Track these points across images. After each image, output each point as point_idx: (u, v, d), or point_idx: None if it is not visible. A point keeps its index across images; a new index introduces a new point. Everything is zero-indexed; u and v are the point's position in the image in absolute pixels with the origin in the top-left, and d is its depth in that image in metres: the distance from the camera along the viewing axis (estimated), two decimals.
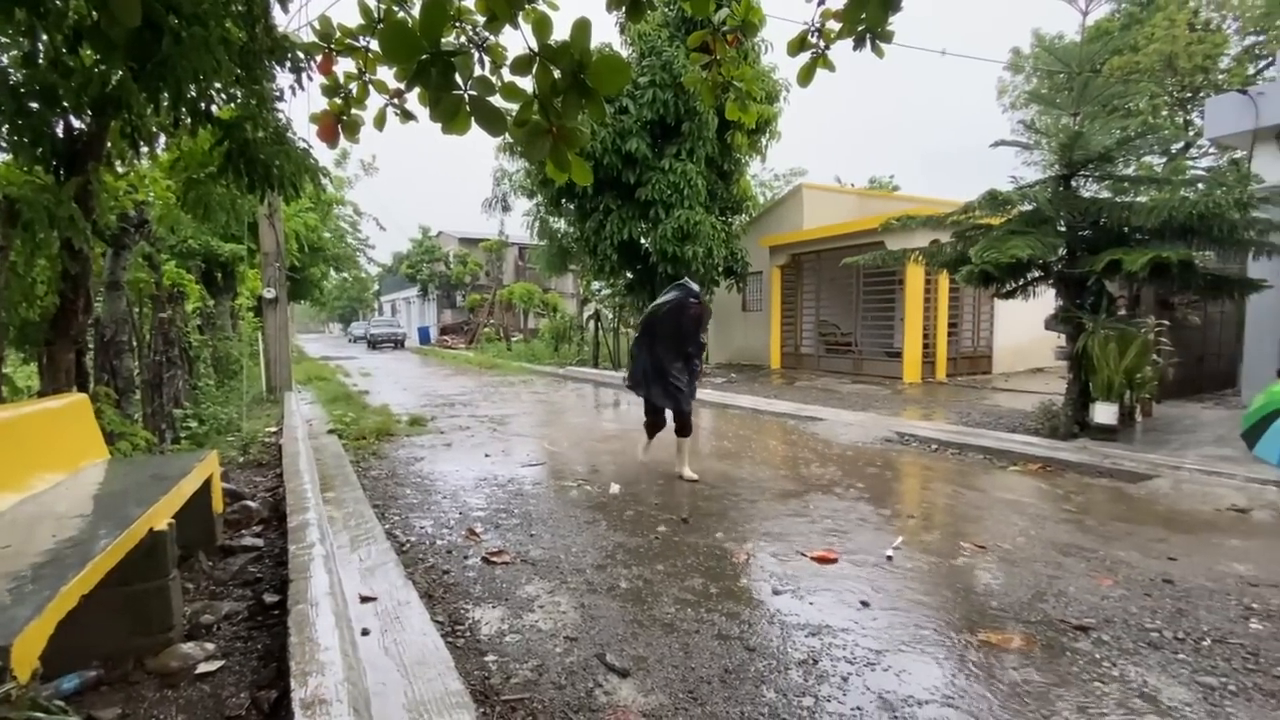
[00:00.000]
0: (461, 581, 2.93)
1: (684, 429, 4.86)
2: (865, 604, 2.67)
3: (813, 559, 3.17)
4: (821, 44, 2.55)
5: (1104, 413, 5.55)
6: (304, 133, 7.17)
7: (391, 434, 6.75)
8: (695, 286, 4.91)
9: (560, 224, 14.55)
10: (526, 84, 1.89)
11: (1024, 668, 2.18)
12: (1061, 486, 4.58)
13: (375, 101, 2.44)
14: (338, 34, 2.29)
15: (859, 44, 2.52)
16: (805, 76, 2.58)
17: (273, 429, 6.83)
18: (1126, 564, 3.09)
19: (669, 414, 4.96)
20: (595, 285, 18.54)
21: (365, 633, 2.32)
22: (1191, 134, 12.42)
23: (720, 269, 12.71)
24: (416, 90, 1.91)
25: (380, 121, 2.30)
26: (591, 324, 15.55)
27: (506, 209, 18.79)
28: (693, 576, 2.96)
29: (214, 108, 3.43)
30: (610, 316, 15.91)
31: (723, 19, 2.85)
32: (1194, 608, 2.62)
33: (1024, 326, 11.03)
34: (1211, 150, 9.34)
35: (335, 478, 4.62)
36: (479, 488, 4.61)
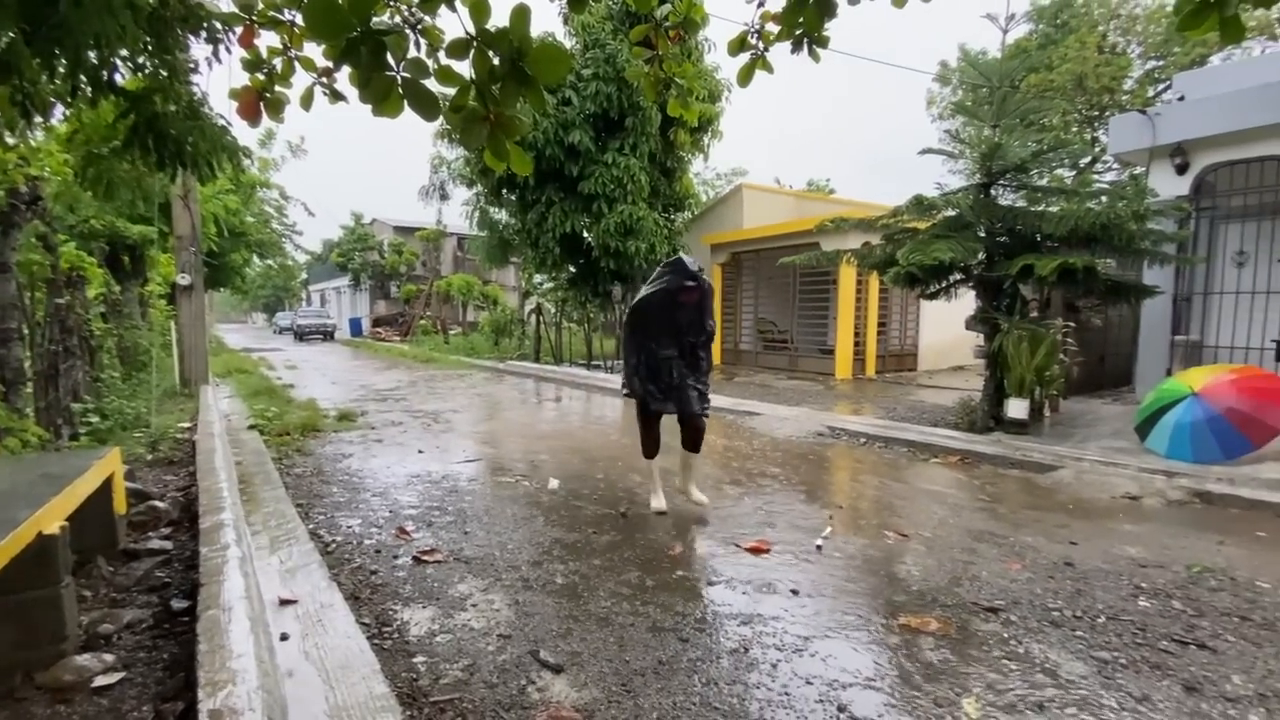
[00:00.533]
0: (390, 582, 2.84)
1: (695, 439, 3.86)
2: (795, 592, 2.75)
3: (746, 550, 3.24)
4: (761, 45, 2.60)
5: (1016, 408, 5.92)
6: (224, 109, 6.74)
7: (318, 430, 6.46)
8: (691, 264, 3.71)
9: (501, 215, 14.27)
10: (464, 69, 1.83)
11: (940, 649, 2.30)
12: (978, 477, 4.86)
13: (302, 79, 2.31)
14: (260, 5, 2.15)
15: (797, 47, 2.58)
16: (745, 77, 2.62)
17: (186, 424, 6.41)
18: (1033, 549, 3.31)
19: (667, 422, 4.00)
20: (537, 278, 18.30)
21: (284, 638, 2.21)
22: (1098, 149, 13.41)
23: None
24: (347, 69, 1.83)
25: (307, 101, 2.18)
26: (533, 318, 15.35)
27: (445, 198, 18.23)
28: (629, 570, 2.97)
29: (119, 77, 3.16)
30: (553, 310, 15.75)
31: (665, 14, 2.85)
32: (1091, 588, 2.84)
33: (947, 326, 11.63)
34: (1115, 165, 10.13)
35: (255, 476, 4.38)
36: (411, 485, 4.47)
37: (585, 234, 12.30)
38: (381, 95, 1.77)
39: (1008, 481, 4.77)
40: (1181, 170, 7.23)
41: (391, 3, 2.27)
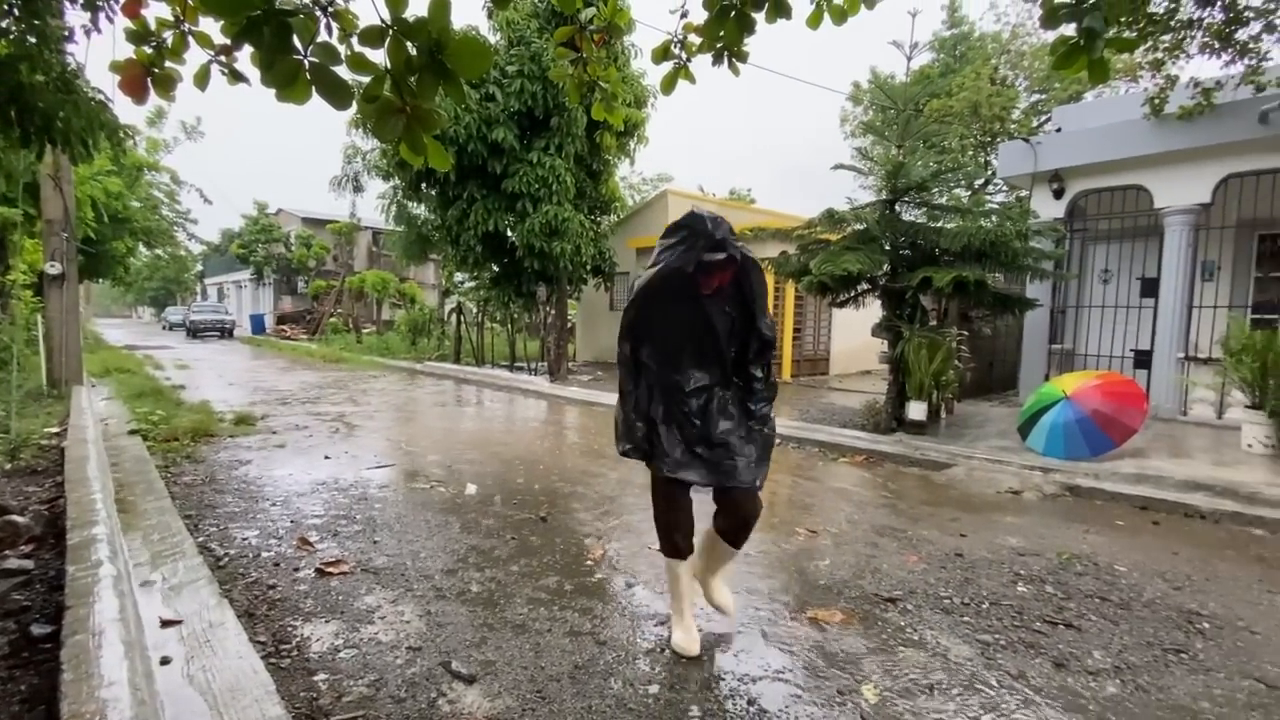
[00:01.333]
0: (290, 596, 2.67)
1: (739, 528, 2.35)
2: None
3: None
4: (684, 56, 2.65)
5: (916, 410, 6.33)
6: (105, 83, 6.13)
7: (212, 434, 5.98)
8: (713, 223, 2.11)
9: (420, 210, 13.75)
10: (379, 57, 1.75)
11: (844, 638, 2.42)
12: (881, 475, 5.15)
13: (198, 55, 2.14)
14: None
15: (718, 60, 2.66)
16: (668, 85, 2.67)
17: (54, 429, 5.77)
18: (929, 542, 3.55)
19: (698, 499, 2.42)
20: (458, 277, 17.78)
21: (165, 661, 2.03)
22: (990, 172, 14.57)
23: (589, 267, 12.75)
24: (250, 48, 1.71)
25: (202, 79, 2.01)
26: (454, 317, 14.90)
27: (359, 190, 17.37)
28: (548, 575, 2.94)
29: None
30: (474, 310, 15.34)
31: (589, 17, 2.85)
32: (977, 576, 3.07)
33: (856, 333, 12.27)
34: (1004, 187, 11.05)
35: (136, 485, 4.00)
36: (316, 493, 4.22)
37: (509, 233, 12.06)
38: (286, 80, 1.66)
39: (908, 479, 5.08)
40: (1058, 195, 7.98)
41: None
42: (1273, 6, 5.87)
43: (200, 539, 3.26)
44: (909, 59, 6.52)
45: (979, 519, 4.03)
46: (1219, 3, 5.87)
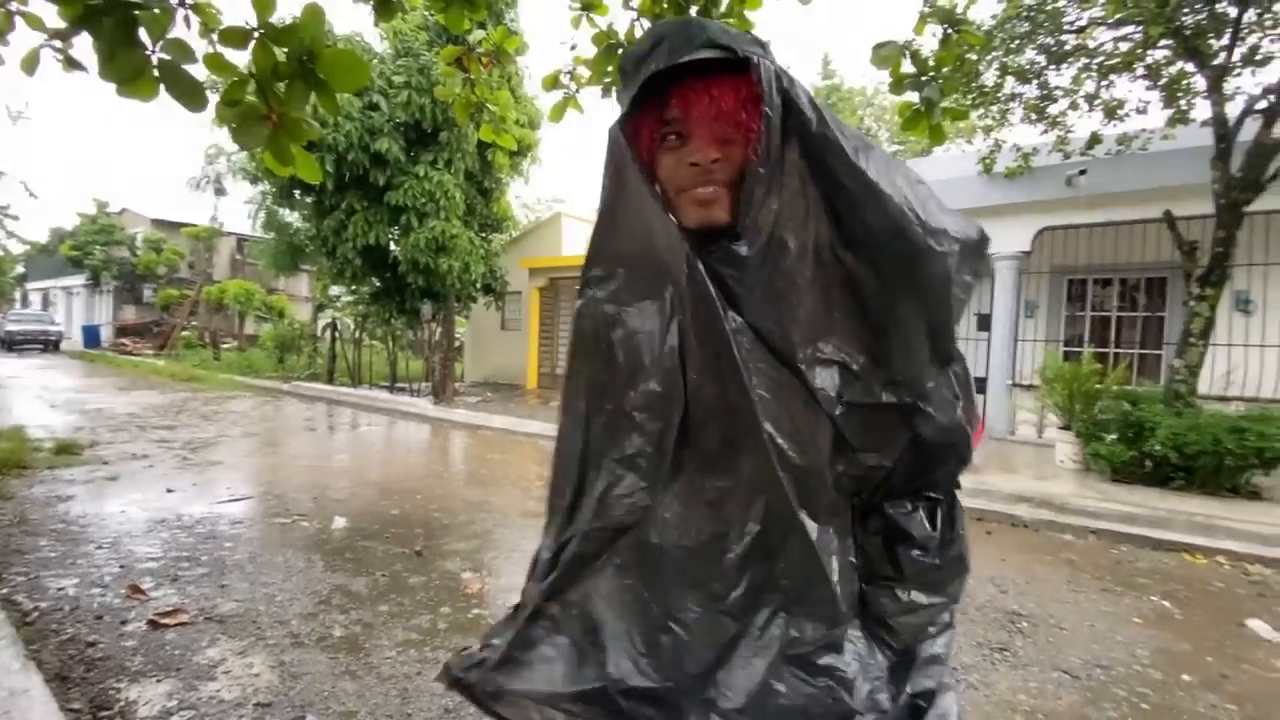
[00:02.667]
0: (114, 654, 2.34)
1: None
2: None
3: None
4: (573, 86, 2.71)
5: None
6: None
7: (24, 466, 5.14)
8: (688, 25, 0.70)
9: (293, 218, 12.81)
10: (242, 59, 1.63)
11: None
12: None
13: (27, 37, 1.88)
14: None
15: (606, 93, 2.74)
16: (557, 113, 2.71)
17: None
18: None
19: None
20: (334, 290, 16.67)
21: None
22: None
23: (479, 286, 12.44)
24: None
25: (30, 64, 1.77)
26: (328, 333, 13.92)
27: (221, 193, 15.89)
28: (420, 614, 2.79)
29: None
30: (351, 326, 14.42)
31: (478, 40, 2.84)
32: None
33: None
34: None
35: None
36: (154, 532, 3.75)
37: (392, 246, 11.53)
38: (128, 75, 1.51)
39: None
40: None
41: None
42: (1076, 88, 6.97)
43: (3, 591, 2.79)
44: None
45: None
46: (1035, 81, 6.88)
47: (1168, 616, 3.13)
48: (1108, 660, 2.63)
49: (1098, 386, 6.12)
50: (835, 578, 0.69)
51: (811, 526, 0.68)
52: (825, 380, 0.68)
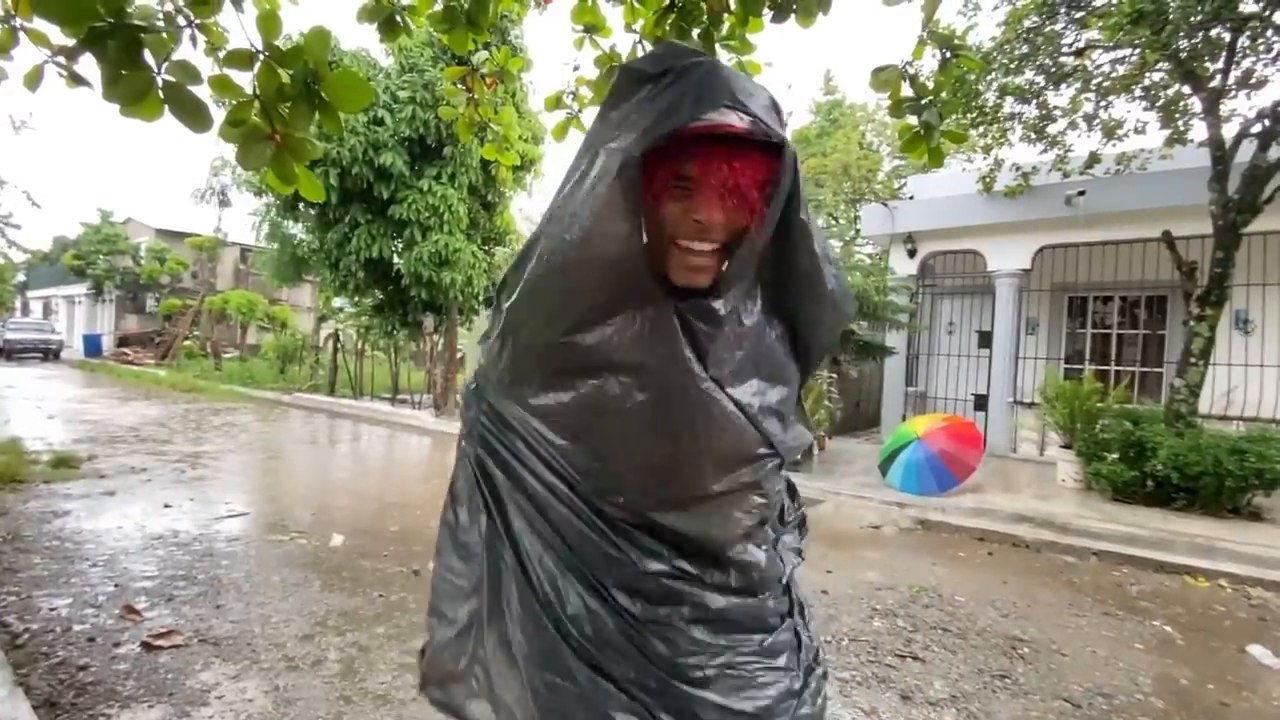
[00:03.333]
0: (106, 678, 2.32)
1: None
2: None
3: None
4: (576, 107, 2.73)
5: None
6: None
7: (20, 480, 5.13)
8: (719, 71, 0.72)
9: (297, 229, 12.87)
10: (246, 80, 1.64)
11: None
12: None
13: (30, 52, 1.89)
14: None
15: None
16: (560, 133, 2.73)
17: None
18: (802, 580, 3.74)
19: None
20: (337, 302, 16.69)
21: None
22: (857, 228, 16.08)
23: (481, 299, 12.48)
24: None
25: (33, 80, 1.78)
26: (330, 344, 13.93)
27: (226, 204, 15.99)
28: (417, 636, 2.77)
29: None
30: (354, 337, 14.44)
31: (481, 61, 2.87)
32: (840, 613, 3.27)
33: None
34: (869, 244, 12.24)
35: None
36: (150, 549, 3.73)
37: (395, 259, 11.57)
38: (134, 97, 1.51)
39: None
40: (912, 254, 8.93)
41: None
42: (1075, 109, 7.02)
43: None
44: (784, 124, 7.10)
45: (844, 555, 4.31)
46: (1034, 101, 6.94)
47: (1169, 642, 3.10)
48: (1110, 688, 2.60)
49: (1099, 405, 6.12)
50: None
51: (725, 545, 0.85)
52: (773, 428, 0.80)
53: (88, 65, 1.74)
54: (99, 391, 13.06)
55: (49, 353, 22.75)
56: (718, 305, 0.72)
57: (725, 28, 2.62)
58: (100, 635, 2.64)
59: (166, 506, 4.64)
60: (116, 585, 3.17)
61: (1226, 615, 3.50)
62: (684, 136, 0.68)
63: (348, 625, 2.84)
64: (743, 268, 0.73)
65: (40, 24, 1.86)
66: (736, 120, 0.68)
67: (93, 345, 24.21)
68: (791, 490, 1.06)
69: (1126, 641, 3.07)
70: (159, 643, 2.58)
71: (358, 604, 3.09)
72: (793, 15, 2.42)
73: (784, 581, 0.94)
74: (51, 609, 2.88)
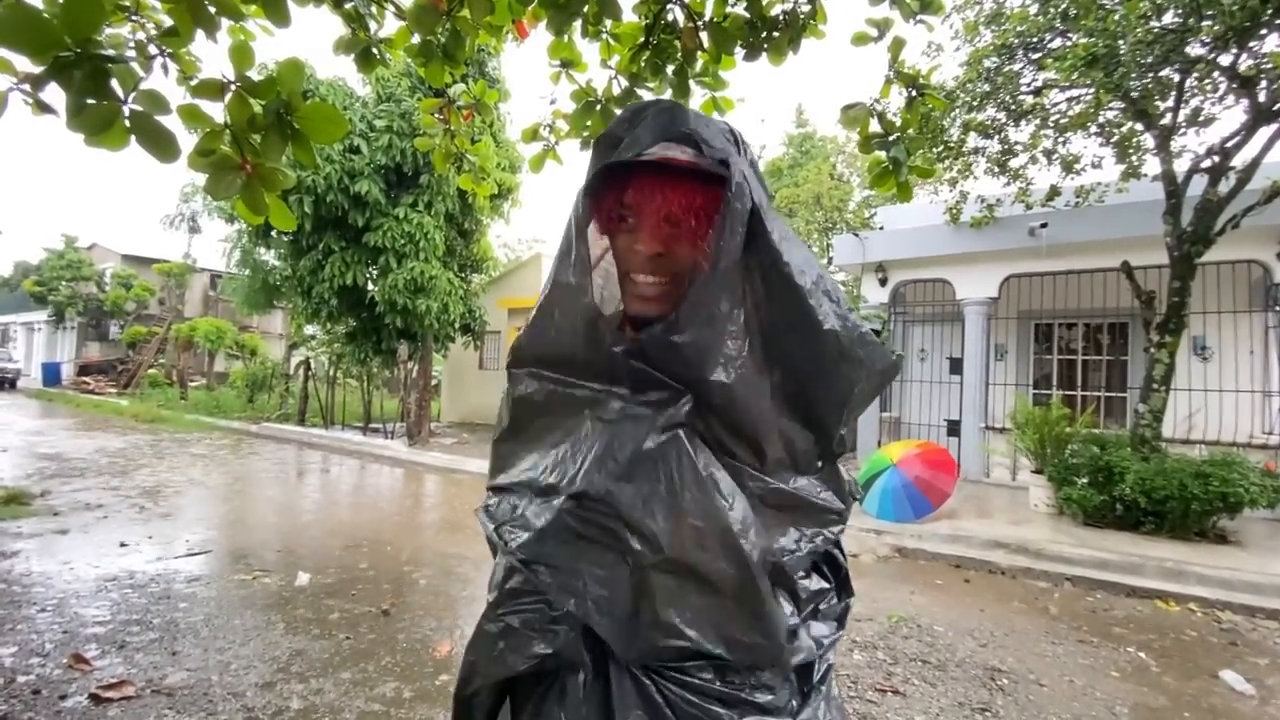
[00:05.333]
0: None
1: None
2: None
3: None
4: (552, 139, 2.75)
5: None
6: None
7: None
8: (680, 114, 0.73)
9: (269, 256, 12.69)
10: (217, 109, 1.62)
11: None
12: None
13: None
14: None
15: (585, 146, 2.78)
16: (537, 164, 2.75)
17: None
18: None
19: None
20: (309, 329, 16.42)
21: None
22: (830, 257, 16.43)
23: (457, 326, 12.38)
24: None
25: None
26: (301, 372, 13.65)
27: (196, 230, 15.72)
28: (385, 681, 2.66)
29: None
30: (326, 365, 14.17)
31: (458, 94, 2.88)
32: None
33: None
34: (841, 273, 12.49)
35: None
36: (103, 592, 3.55)
37: (370, 286, 11.45)
38: (99, 126, 1.48)
39: None
40: (883, 283, 9.12)
41: (134, 16, 1.95)
42: (1034, 144, 7.30)
43: None
44: (759, 155, 7.25)
45: None
46: (996, 137, 7.20)
47: (1144, 669, 3.12)
48: (1088, 719, 2.60)
49: (1068, 430, 6.24)
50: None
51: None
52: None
53: (55, 92, 1.71)
54: (56, 422, 12.57)
55: (5, 381, 21.94)
56: (676, 338, 0.67)
57: (699, 65, 2.69)
58: (46, 687, 2.49)
59: (123, 545, 4.43)
60: (65, 632, 3.00)
61: (1198, 640, 3.54)
62: (633, 170, 0.72)
63: (311, 671, 2.72)
64: (701, 298, 0.67)
65: (6, 51, 1.82)
66: (680, 153, 0.70)
67: (52, 374, 23.40)
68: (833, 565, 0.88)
69: (1103, 669, 3.08)
70: (108, 694, 2.43)
71: (323, 647, 2.96)
72: (764, 53, 2.50)
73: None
74: None
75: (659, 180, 0.71)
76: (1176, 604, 4.09)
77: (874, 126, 2.47)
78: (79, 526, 4.88)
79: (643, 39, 2.43)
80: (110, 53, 1.49)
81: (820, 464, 0.79)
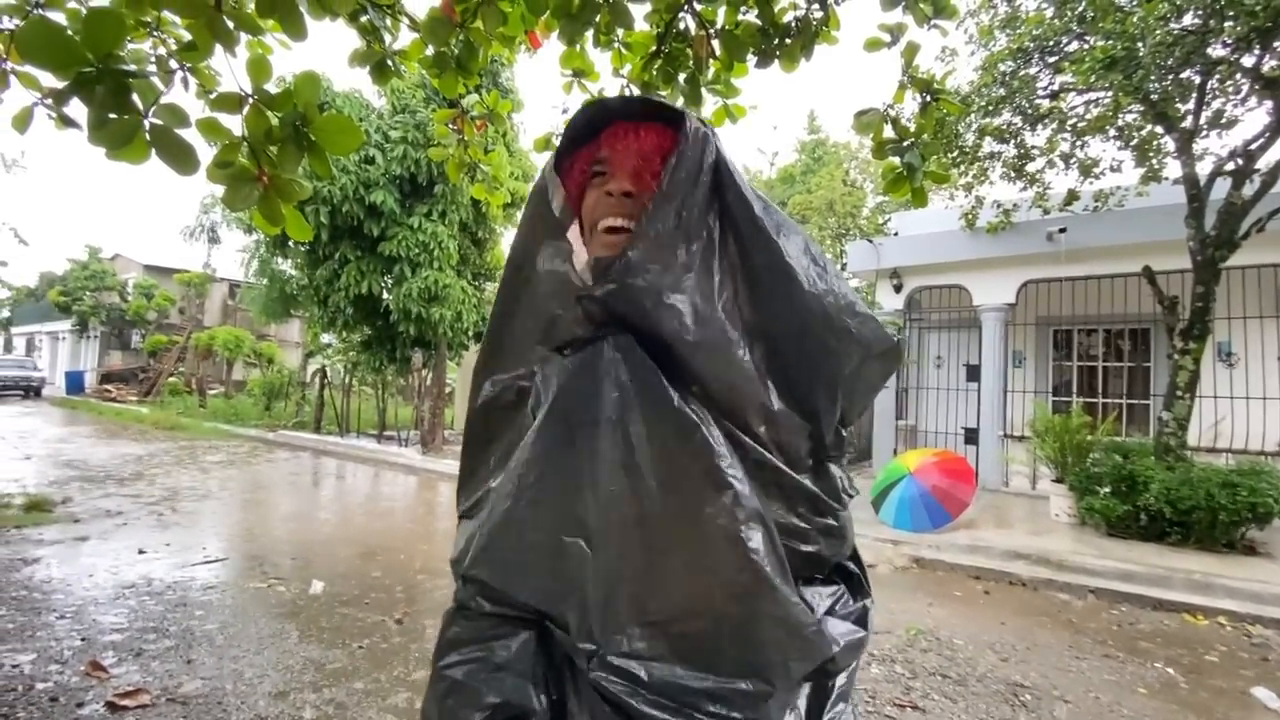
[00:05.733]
0: None
1: None
2: None
3: None
4: None
5: None
6: None
7: None
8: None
9: (286, 266, 12.87)
10: (235, 122, 1.64)
11: None
12: None
13: (20, 94, 1.88)
14: None
15: None
16: None
17: None
18: None
19: None
20: (325, 338, 16.61)
21: None
22: (843, 263, 16.33)
23: (470, 333, 12.46)
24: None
25: (22, 122, 1.76)
26: (317, 380, 13.79)
27: (215, 241, 15.98)
28: (398, 692, 2.65)
29: None
30: (342, 372, 14.31)
31: (471, 104, 2.90)
32: None
33: None
34: (855, 279, 12.41)
35: None
36: (121, 599, 3.59)
37: (385, 295, 11.57)
38: (120, 140, 1.50)
39: None
40: (898, 289, 9.03)
41: (155, 32, 1.99)
42: (1052, 148, 7.22)
43: None
44: (770, 164, 7.24)
45: None
46: (1012, 142, 7.12)
47: (1172, 685, 3.03)
48: None
49: (1089, 439, 6.12)
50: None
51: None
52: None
53: (78, 107, 1.74)
54: (79, 430, 12.79)
55: (30, 390, 22.38)
56: (627, 272, 0.65)
57: (711, 72, 2.68)
58: (64, 694, 2.51)
59: (141, 552, 4.48)
60: (84, 639, 3.03)
61: (1228, 656, 3.43)
62: (601, 132, 0.77)
63: (325, 680, 2.72)
64: (654, 222, 0.66)
65: (31, 67, 1.86)
66: (641, 106, 0.77)
67: (75, 382, 23.86)
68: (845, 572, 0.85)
69: (1129, 685, 3.00)
70: (124, 702, 2.45)
71: (336, 656, 2.96)
72: (777, 60, 2.48)
73: None
74: (14, 665, 2.74)
75: (630, 125, 0.76)
76: (1205, 618, 3.98)
77: (888, 132, 2.45)
78: (99, 533, 4.95)
79: (655, 47, 2.43)
80: (131, 68, 1.51)
81: (810, 461, 0.75)
